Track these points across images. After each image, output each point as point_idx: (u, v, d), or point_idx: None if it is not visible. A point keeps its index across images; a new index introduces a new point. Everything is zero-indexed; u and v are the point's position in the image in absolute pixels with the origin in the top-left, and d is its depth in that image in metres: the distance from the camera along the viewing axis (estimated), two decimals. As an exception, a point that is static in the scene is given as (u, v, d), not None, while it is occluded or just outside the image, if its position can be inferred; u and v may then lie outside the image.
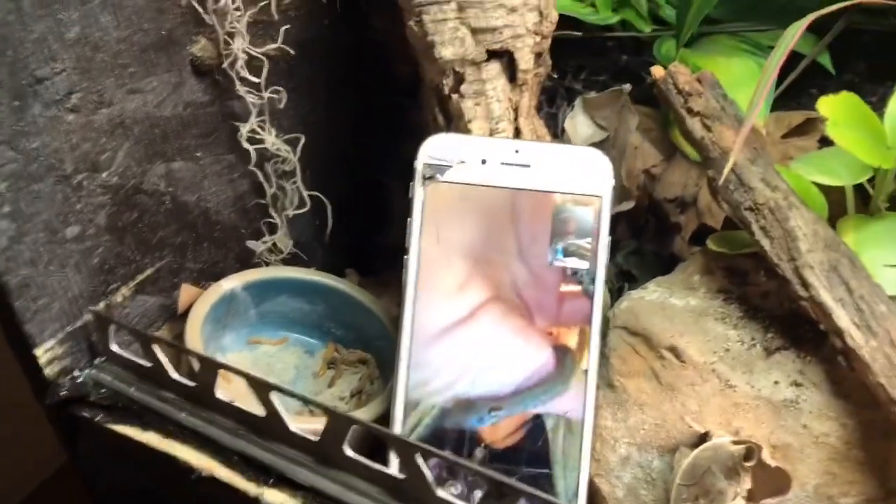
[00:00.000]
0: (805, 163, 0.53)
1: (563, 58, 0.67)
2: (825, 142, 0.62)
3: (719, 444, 0.42)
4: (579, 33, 0.61)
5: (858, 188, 0.52)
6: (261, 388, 0.43)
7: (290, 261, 0.62)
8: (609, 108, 0.60)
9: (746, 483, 0.40)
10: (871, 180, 0.51)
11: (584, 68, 0.71)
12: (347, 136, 0.65)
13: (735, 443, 0.42)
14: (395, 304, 0.67)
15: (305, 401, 0.44)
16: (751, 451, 0.40)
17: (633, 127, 0.59)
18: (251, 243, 0.60)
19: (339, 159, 0.65)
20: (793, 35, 0.46)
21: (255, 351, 0.59)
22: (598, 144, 0.61)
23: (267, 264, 0.61)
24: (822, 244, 0.45)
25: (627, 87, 0.60)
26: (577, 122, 0.60)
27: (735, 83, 0.56)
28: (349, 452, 0.42)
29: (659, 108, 0.65)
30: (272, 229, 0.61)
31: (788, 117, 0.61)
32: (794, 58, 0.63)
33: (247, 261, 0.61)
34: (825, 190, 0.52)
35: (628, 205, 0.60)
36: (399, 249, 0.72)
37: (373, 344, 0.60)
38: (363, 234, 0.69)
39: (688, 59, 0.61)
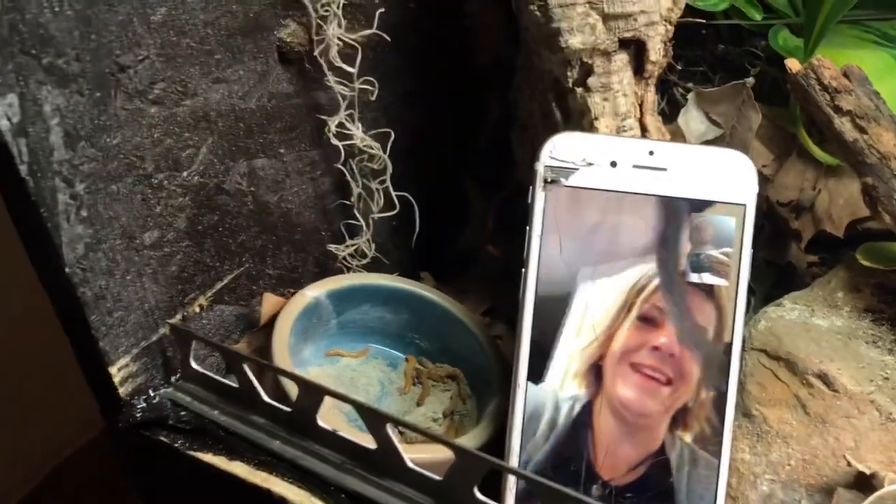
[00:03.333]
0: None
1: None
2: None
3: (902, 491, 0.37)
4: (702, 21, 0.56)
5: None
6: (375, 421, 0.38)
7: (371, 265, 0.57)
8: (726, 104, 0.55)
9: (947, 542, 0.35)
10: None
11: (680, 58, 0.66)
12: (430, 131, 0.60)
13: (918, 490, 0.37)
14: (478, 312, 0.62)
15: (434, 438, 0.39)
16: (954, 506, 0.35)
17: (755, 126, 0.54)
18: (333, 247, 0.55)
19: (423, 156, 0.59)
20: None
21: (336, 364, 0.54)
22: (712, 143, 0.56)
23: (348, 269, 0.56)
24: None
25: (751, 80, 0.55)
26: (690, 117, 0.55)
27: (872, 79, 0.51)
28: (480, 496, 0.37)
29: (768, 101, 0.60)
30: (353, 232, 0.56)
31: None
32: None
33: (326, 266, 0.56)
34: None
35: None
36: (475, 254, 0.67)
37: (461, 357, 0.55)
38: (440, 237, 0.63)
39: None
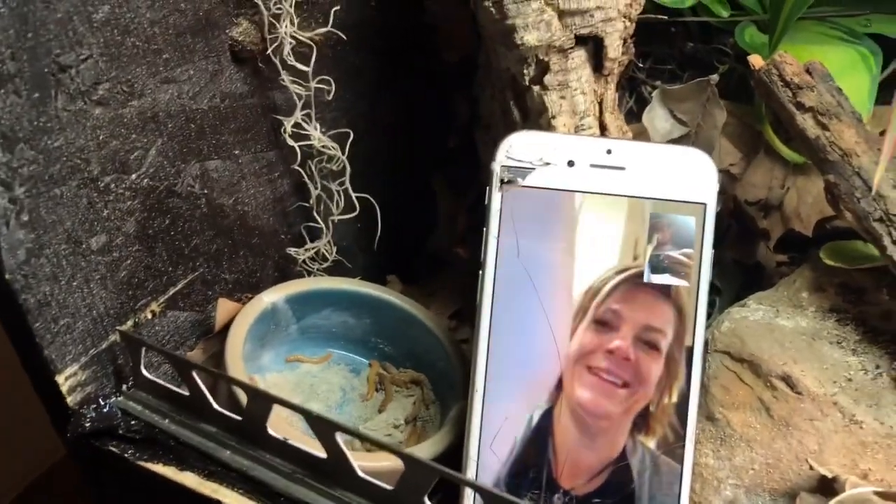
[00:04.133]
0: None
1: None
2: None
3: (863, 496, 0.36)
4: (664, 17, 0.55)
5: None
6: (324, 429, 0.37)
7: (332, 268, 0.56)
8: (691, 102, 0.54)
9: (907, 547, 0.35)
10: None
11: (649, 56, 0.65)
12: (392, 131, 0.59)
13: (879, 494, 0.36)
14: (445, 316, 0.61)
15: (381, 446, 0.38)
16: (913, 511, 0.34)
17: (720, 123, 0.53)
18: (292, 250, 0.53)
19: (385, 156, 0.58)
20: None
21: (296, 370, 0.53)
22: (678, 140, 0.55)
23: (308, 273, 0.55)
24: (968, 261, 0.39)
25: (715, 77, 0.54)
26: (655, 115, 0.54)
27: (834, 74, 0.50)
28: (430, 505, 0.36)
29: (735, 98, 0.59)
30: (314, 234, 0.55)
31: (888, 112, 0.55)
32: (890, 44, 0.57)
33: (286, 269, 0.55)
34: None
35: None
36: (444, 255, 0.66)
37: (425, 362, 0.54)
38: (406, 239, 0.62)
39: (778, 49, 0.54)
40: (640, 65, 0.65)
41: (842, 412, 0.41)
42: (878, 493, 0.36)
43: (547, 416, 0.42)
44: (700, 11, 0.62)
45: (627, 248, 0.43)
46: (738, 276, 0.57)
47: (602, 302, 0.42)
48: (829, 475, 0.39)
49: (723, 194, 0.57)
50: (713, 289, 0.55)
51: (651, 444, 0.41)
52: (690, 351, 0.42)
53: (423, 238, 0.64)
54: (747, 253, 0.57)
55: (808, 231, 0.55)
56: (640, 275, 0.43)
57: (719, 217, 0.57)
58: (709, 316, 0.51)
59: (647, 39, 0.64)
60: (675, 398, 0.42)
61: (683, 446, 0.41)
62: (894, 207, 0.41)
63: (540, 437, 0.42)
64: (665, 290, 0.42)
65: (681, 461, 0.41)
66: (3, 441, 0.76)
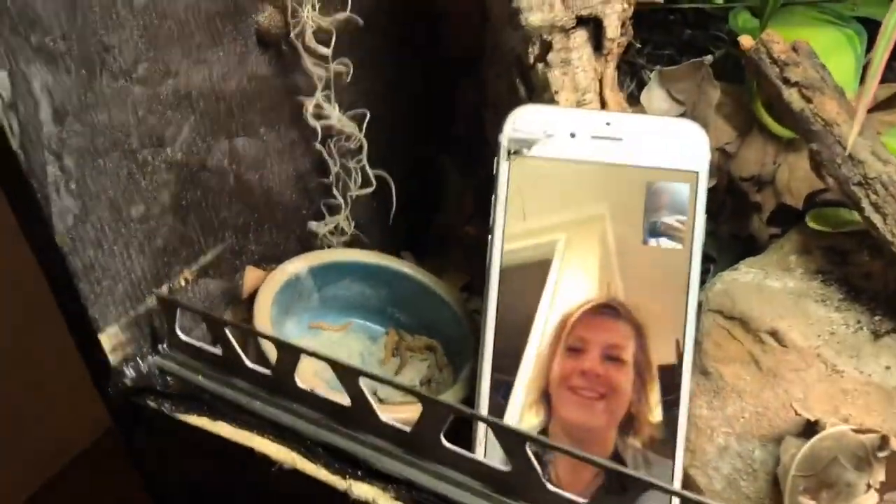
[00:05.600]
0: (897, 137, 0.50)
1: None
2: (913, 116, 0.59)
3: (841, 432, 0.40)
4: (660, 0, 0.58)
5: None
6: (348, 376, 0.41)
7: (351, 243, 0.60)
8: (687, 81, 0.57)
9: (880, 475, 0.38)
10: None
11: (648, 43, 0.68)
12: (406, 112, 0.63)
13: (856, 431, 0.40)
14: (456, 287, 0.64)
15: (400, 388, 0.41)
16: (885, 441, 0.38)
17: (714, 101, 0.56)
18: (313, 224, 0.57)
19: (399, 136, 0.62)
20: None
21: (318, 337, 0.57)
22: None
23: (329, 246, 0.58)
24: (940, 221, 0.43)
25: (708, 58, 0.57)
26: (653, 95, 0.57)
27: (822, 54, 0.53)
28: (446, 443, 0.39)
29: (731, 81, 0.63)
30: (333, 210, 0.58)
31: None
32: (875, 27, 0.60)
33: (307, 242, 0.58)
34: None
35: (710, 182, 0.57)
36: (451, 233, 0.70)
37: (439, 330, 0.57)
38: (419, 216, 0.66)
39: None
40: (640, 50, 0.68)
41: (825, 363, 0.44)
42: (854, 430, 0.40)
43: (543, 435, 0.45)
44: (696, -1, 0.66)
45: (627, 212, 0.46)
46: (734, 247, 0.60)
47: (570, 333, 0.45)
48: (813, 419, 0.43)
49: (718, 171, 0.61)
50: (709, 258, 0.58)
51: (639, 444, 0.45)
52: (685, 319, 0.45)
53: (434, 217, 0.68)
54: (742, 226, 0.60)
55: (798, 204, 0.58)
56: (640, 238, 0.46)
57: (715, 192, 0.61)
58: (704, 281, 0.55)
59: (647, 27, 0.67)
60: (653, 400, 0.45)
61: (675, 446, 0.44)
62: (872, 172, 0.44)
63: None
64: (620, 312, 0.45)
65: (672, 457, 0.44)
66: (17, 441, 0.79)
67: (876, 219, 0.44)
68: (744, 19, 0.61)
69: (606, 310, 0.46)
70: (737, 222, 0.60)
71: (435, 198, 0.68)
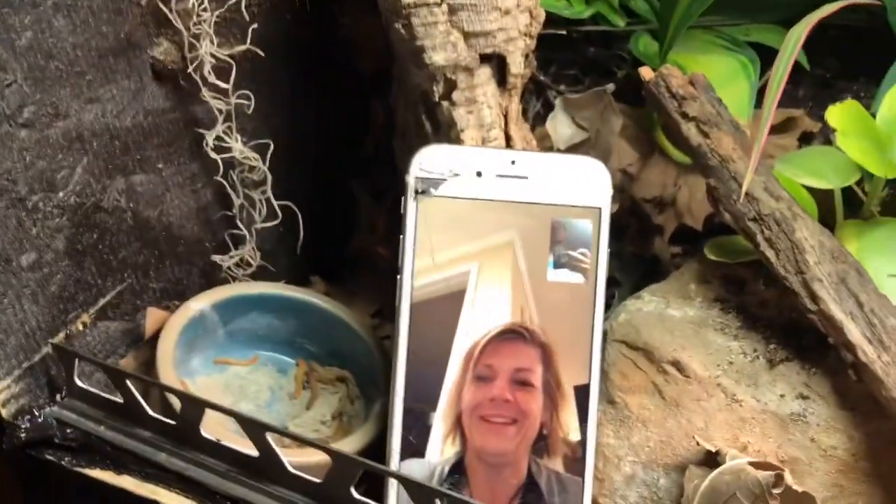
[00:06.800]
0: (791, 164, 0.52)
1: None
2: (804, 139, 0.62)
3: (740, 467, 0.41)
4: (563, 31, 0.59)
5: (844, 188, 0.52)
6: (254, 430, 0.40)
7: (257, 273, 0.58)
8: (590, 109, 0.58)
9: (775, 511, 0.39)
10: (858, 182, 0.51)
11: (554, 62, 0.69)
12: (312, 139, 0.62)
13: (753, 465, 0.41)
14: (367, 314, 0.64)
15: (307, 443, 0.41)
16: (780, 478, 0.39)
17: (617, 129, 0.57)
18: (217, 258, 0.56)
19: (305, 163, 0.61)
20: (796, 40, 0.45)
21: (225, 373, 0.56)
22: (579, 145, 0.59)
23: (234, 279, 0.57)
24: (828, 255, 0.44)
25: (611, 87, 0.59)
26: (558, 122, 0.58)
27: (717, 82, 0.55)
28: (356, 495, 0.39)
29: (633, 104, 0.64)
30: (237, 241, 0.57)
31: (766, 116, 0.60)
32: (767, 52, 0.62)
33: (211, 275, 0.57)
34: (811, 190, 0.52)
35: (613, 207, 0.58)
36: (365, 256, 0.69)
37: (350, 360, 0.57)
38: (329, 241, 0.65)
39: (668, 58, 0.59)
40: (546, 69, 0.69)
41: (724, 392, 0.46)
42: (751, 464, 0.41)
43: (460, 464, 0.45)
44: (599, 20, 0.67)
45: (533, 249, 0.46)
46: (637, 267, 0.62)
47: (476, 362, 0.46)
48: (713, 449, 0.44)
49: (621, 192, 0.62)
50: (614, 281, 0.59)
51: (552, 464, 0.46)
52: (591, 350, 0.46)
53: (346, 240, 0.67)
54: (644, 246, 0.61)
55: (698, 225, 0.60)
56: (546, 274, 0.46)
57: (618, 213, 0.62)
58: (609, 306, 0.56)
59: (552, 46, 0.68)
60: (564, 422, 0.46)
61: (584, 462, 0.45)
62: (766, 209, 0.46)
63: (457, 483, 0.45)
64: (526, 336, 0.46)
65: (582, 475, 0.45)
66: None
67: (770, 254, 0.45)
68: (644, 43, 0.63)
69: (512, 334, 0.46)
70: (639, 243, 0.62)
71: (346, 221, 0.67)
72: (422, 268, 0.46)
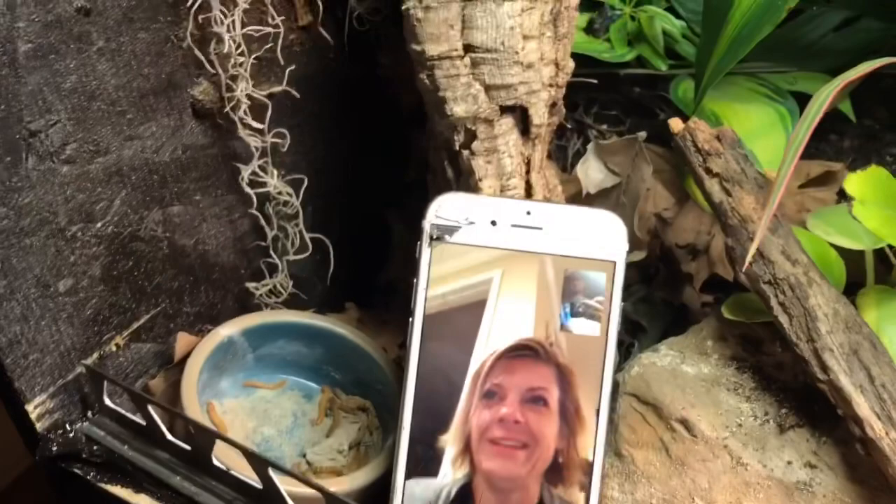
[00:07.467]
0: (823, 221, 0.51)
1: (574, 91, 0.65)
2: (844, 194, 0.61)
3: (732, 535, 0.41)
4: (594, 80, 0.59)
5: (878, 250, 0.50)
6: (258, 464, 0.42)
7: (290, 300, 0.61)
8: (622, 155, 0.58)
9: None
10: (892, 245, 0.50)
11: (596, 101, 0.69)
12: (348, 172, 0.64)
13: (748, 534, 0.41)
14: (395, 344, 0.65)
15: (305, 482, 0.42)
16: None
17: (647, 176, 0.57)
18: (251, 285, 0.58)
19: (341, 195, 0.63)
20: (824, 99, 0.44)
21: (252, 396, 0.58)
22: (610, 190, 0.59)
23: (266, 306, 0.59)
24: (842, 325, 0.44)
25: (643, 134, 0.58)
26: (590, 166, 0.59)
27: (753, 133, 0.55)
28: (349, 535, 0.41)
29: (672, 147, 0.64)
30: (272, 269, 0.59)
31: (807, 167, 0.59)
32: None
33: (246, 301, 0.59)
34: (843, 250, 0.51)
35: (639, 255, 0.58)
36: (398, 285, 0.71)
37: (372, 389, 0.59)
38: (363, 269, 0.67)
39: (704, 104, 0.59)
40: (587, 110, 0.69)
41: (731, 455, 0.46)
42: (746, 533, 0.41)
43: (468, 490, 0.45)
44: (644, 63, 0.67)
45: (546, 298, 0.47)
46: (667, 314, 0.61)
47: (485, 379, 0.46)
48: (714, 513, 0.44)
49: (654, 237, 0.62)
50: (639, 327, 0.59)
51: (564, 494, 0.45)
52: (599, 399, 0.46)
53: (379, 269, 0.69)
54: (674, 294, 0.61)
55: (729, 276, 0.59)
56: (557, 323, 0.47)
57: (649, 259, 0.62)
58: (630, 355, 0.56)
59: (595, 86, 0.68)
60: (582, 449, 0.45)
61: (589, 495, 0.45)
62: (780, 272, 0.45)
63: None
64: (538, 353, 0.46)
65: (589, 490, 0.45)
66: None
67: (783, 319, 0.45)
68: (684, 89, 0.62)
69: (525, 351, 0.46)
70: (670, 289, 0.62)
71: (381, 251, 0.69)
72: (433, 311, 0.47)
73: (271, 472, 0.42)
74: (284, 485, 0.43)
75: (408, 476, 0.46)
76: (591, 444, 0.46)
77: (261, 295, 0.58)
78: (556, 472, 0.45)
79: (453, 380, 0.47)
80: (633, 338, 0.58)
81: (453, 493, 0.46)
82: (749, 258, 0.43)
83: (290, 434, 0.56)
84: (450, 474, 0.46)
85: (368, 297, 0.68)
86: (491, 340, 0.47)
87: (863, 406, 0.42)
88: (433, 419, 0.46)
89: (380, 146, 0.65)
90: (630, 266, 0.61)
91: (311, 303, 0.62)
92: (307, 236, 0.57)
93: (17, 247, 0.44)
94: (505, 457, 0.46)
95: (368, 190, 0.66)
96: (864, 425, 0.42)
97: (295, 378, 0.60)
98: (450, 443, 0.46)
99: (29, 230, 0.45)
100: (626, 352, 0.57)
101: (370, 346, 0.58)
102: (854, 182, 0.44)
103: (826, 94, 0.45)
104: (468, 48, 0.47)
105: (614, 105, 0.69)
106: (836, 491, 0.44)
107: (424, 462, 0.46)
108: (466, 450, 0.46)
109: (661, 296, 0.61)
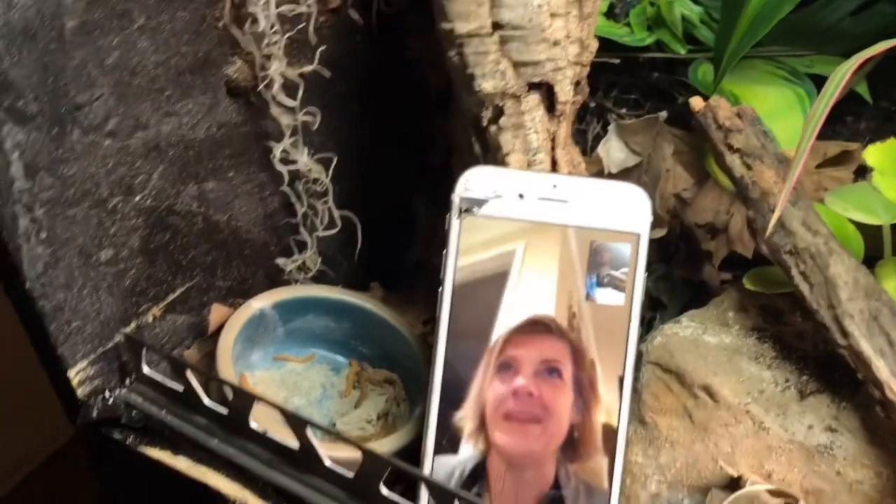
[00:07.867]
0: (841, 198, 0.52)
1: (594, 75, 0.66)
2: (861, 172, 0.62)
3: (755, 493, 0.42)
4: (616, 60, 0.61)
5: (896, 226, 0.52)
6: (296, 424, 0.43)
7: (318, 277, 0.62)
8: (643, 135, 0.60)
9: (784, 538, 0.40)
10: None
11: (615, 86, 0.71)
12: (376, 152, 0.65)
13: (771, 492, 0.42)
14: (419, 321, 0.67)
15: (342, 438, 0.44)
16: (790, 506, 0.40)
17: (668, 155, 0.58)
18: (281, 261, 0.60)
19: (369, 175, 0.64)
20: (841, 77, 0.45)
21: (282, 368, 0.59)
22: (632, 170, 0.60)
23: (296, 281, 0.61)
24: (862, 292, 0.45)
25: (663, 114, 0.60)
26: (611, 146, 0.60)
27: (772, 114, 0.56)
28: (385, 492, 0.42)
29: (692, 131, 0.65)
30: (301, 247, 0.61)
31: (824, 147, 0.61)
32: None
33: (275, 277, 0.61)
34: (861, 226, 0.52)
35: (660, 232, 0.59)
36: (422, 267, 0.72)
37: (399, 363, 0.60)
38: (387, 251, 0.68)
39: (724, 86, 0.60)
40: (607, 93, 0.71)
41: (753, 419, 0.47)
42: (769, 491, 0.42)
43: (482, 466, 0.46)
44: (662, 47, 0.68)
45: (572, 269, 0.48)
46: (686, 291, 0.62)
47: (500, 353, 0.47)
48: (736, 475, 0.45)
49: (674, 217, 0.63)
50: (656, 302, 0.60)
51: (582, 471, 0.46)
52: (624, 367, 0.47)
53: (405, 249, 0.70)
54: (694, 271, 0.62)
55: (748, 253, 0.60)
56: (583, 293, 0.48)
57: (669, 238, 0.63)
58: (651, 329, 0.57)
59: (616, 69, 0.70)
60: (598, 425, 0.46)
61: (613, 472, 0.46)
62: (801, 242, 0.46)
63: (478, 487, 0.46)
64: (549, 326, 0.47)
65: (610, 487, 0.46)
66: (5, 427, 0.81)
67: (804, 288, 0.46)
68: (703, 71, 0.63)
69: (539, 326, 0.47)
70: (689, 267, 0.63)
71: (406, 231, 0.70)
72: (462, 282, 0.49)
73: (308, 432, 0.43)
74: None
75: (435, 454, 0.47)
76: (616, 410, 0.47)
77: (290, 271, 0.60)
78: (571, 449, 0.46)
79: (475, 352, 0.48)
80: (654, 312, 0.59)
81: (467, 470, 0.46)
82: (770, 228, 0.44)
83: (320, 405, 0.58)
84: (465, 452, 0.46)
85: (392, 279, 0.70)
86: (515, 310, 0.48)
87: (882, 369, 0.43)
88: (457, 392, 0.47)
89: (406, 129, 0.66)
90: (651, 244, 0.63)
91: (337, 281, 0.64)
92: (336, 213, 0.59)
93: (62, 216, 0.46)
94: (519, 433, 0.47)
95: (395, 172, 0.67)
96: (885, 388, 0.43)
97: (323, 352, 0.61)
98: (467, 418, 0.47)
99: (73, 201, 0.46)
100: (647, 326, 0.58)
101: (397, 321, 0.60)
102: (873, 153, 0.46)
103: (844, 72, 0.46)
104: (496, 26, 0.48)
105: (634, 89, 0.70)
106: (857, 453, 0.45)
107: (447, 439, 0.47)
108: (482, 425, 0.47)
109: (681, 273, 0.63)
